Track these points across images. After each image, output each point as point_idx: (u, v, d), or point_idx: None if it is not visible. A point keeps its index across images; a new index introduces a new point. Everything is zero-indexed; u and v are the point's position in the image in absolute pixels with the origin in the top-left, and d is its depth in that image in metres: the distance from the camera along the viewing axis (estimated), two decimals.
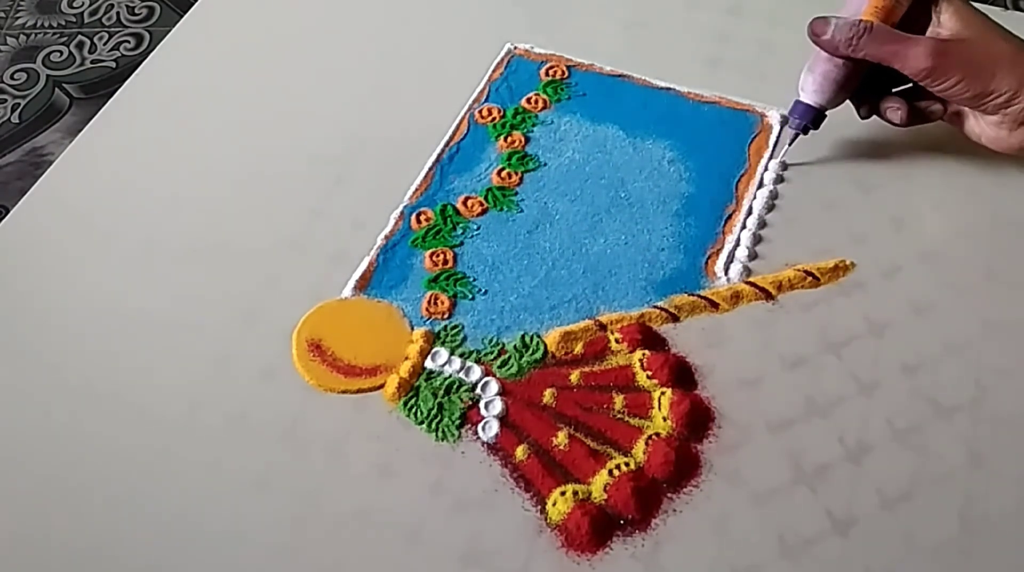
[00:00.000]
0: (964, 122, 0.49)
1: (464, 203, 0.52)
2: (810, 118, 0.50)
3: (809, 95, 0.49)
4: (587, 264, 0.50)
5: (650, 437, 0.43)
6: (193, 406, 0.45)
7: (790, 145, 0.52)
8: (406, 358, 0.46)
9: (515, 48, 0.60)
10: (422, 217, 0.52)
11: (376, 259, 0.50)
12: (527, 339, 0.47)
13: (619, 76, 0.58)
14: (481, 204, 0.52)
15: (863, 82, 0.49)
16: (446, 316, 0.48)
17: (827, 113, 0.50)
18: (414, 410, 0.44)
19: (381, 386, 0.45)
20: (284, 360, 0.46)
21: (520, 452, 0.43)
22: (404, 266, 0.50)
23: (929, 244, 0.49)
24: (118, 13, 0.67)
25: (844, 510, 0.41)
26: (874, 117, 0.51)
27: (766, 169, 0.53)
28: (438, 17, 0.63)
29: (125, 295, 0.50)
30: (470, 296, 0.49)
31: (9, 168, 0.60)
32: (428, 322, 0.48)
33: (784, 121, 0.55)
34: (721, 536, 0.40)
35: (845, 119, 0.55)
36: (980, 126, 0.48)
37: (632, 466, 0.42)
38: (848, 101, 0.50)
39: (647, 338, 0.46)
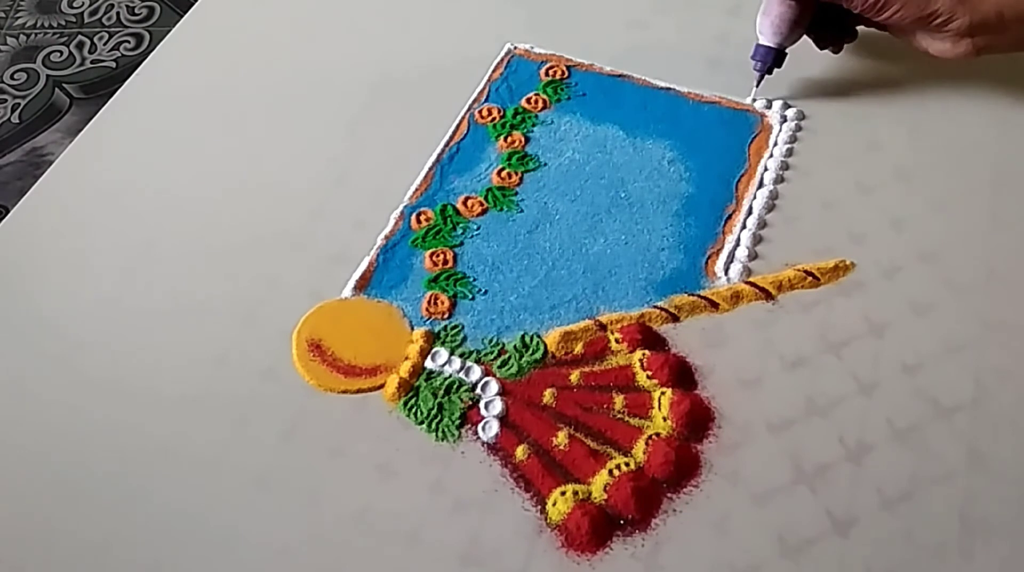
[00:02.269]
0: (913, 39, 0.53)
1: (464, 203, 0.52)
2: (771, 58, 0.54)
3: (768, 37, 0.53)
4: (587, 264, 0.50)
5: (650, 437, 0.43)
6: (193, 406, 0.45)
7: (757, 86, 0.56)
8: (406, 358, 0.46)
9: (515, 48, 0.60)
10: (422, 217, 0.52)
11: (376, 259, 0.50)
12: (527, 339, 0.47)
13: (619, 76, 0.58)
14: (481, 204, 0.52)
15: (819, 20, 0.54)
16: (446, 316, 0.48)
17: (825, 112, 0.52)
18: (414, 410, 0.44)
19: (381, 386, 0.45)
20: (284, 360, 0.46)
21: (520, 452, 0.43)
22: (404, 266, 0.50)
23: (929, 244, 0.49)
24: (118, 13, 0.67)
25: (844, 510, 0.41)
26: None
27: (766, 169, 0.53)
28: (438, 17, 0.63)
29: (125, 295, 0.50)
30: (470, 296, 0.49)
31: (9, 168, 0.60)
32: (428, 322, 0.48)
33: (783, 120, 0.55)
34: (721, 536, 0.40)
35: (844, 118, 0.55)
36: (927, 40, 0.52)
37: (632, 466, 0.42)
38: (807, 37, 0.55)
39: (647, 338, 0.46)
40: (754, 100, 0.56)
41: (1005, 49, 0.51)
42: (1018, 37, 0.50)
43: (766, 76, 0.55)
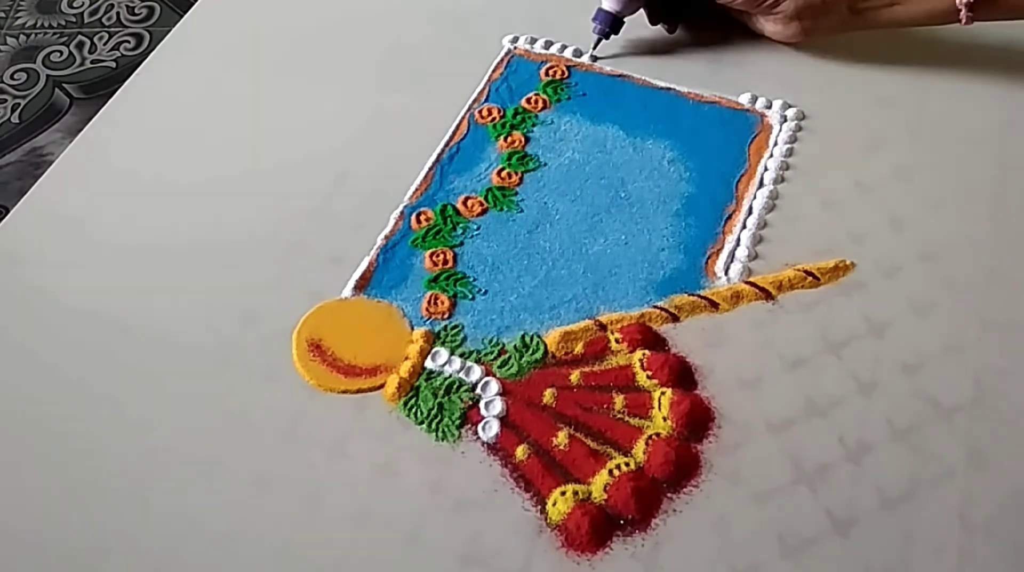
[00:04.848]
0: (749, 21, 0.59)
1: (464, 203, 0.52)
2: (609, 23, 0.58)
3: (609, 3, 0.58)
4: (587, 264, 0.50)
5: (650, 437, 0.43)
6: (194, 406, 0.45)
7: (595, 48, 0.59)
8: (406, 358, 0.46)
9: (515, 48, 0.60)
10: (422, 217, 0.52)
11: (376, 259, 0.50)
12: (527, 339, 0.47)
13: (619, 76, 0.58)
14: (481, 204, 0.52)
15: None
16: (446, 316, 0.48)
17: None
18: (414, 410, 0.44)
19: (381, 386, 0.45)
20: (284, 360, 0.46)
21: (520, 452, 0.43)
22: (404, 266, 0.50)
23: (929, 244, 0.49)
24: (118, 13, 0.67)
25: (844, 510, 0.41)
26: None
27: (766, 169, 0.53)
28: (438, 17, 0.63)
29: (125, 295, 0.50)
30: (470, 296, 0.49)
31: (9, 168, 0.60)
32: (428, 322, 0.48)
33: (783, 120, 0.55)
34: (721, 536, 0.40)
35: (844, 118, 0.55)
36: (761, 23, 0.58)
37: (632, 466, 0.42)
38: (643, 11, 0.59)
39: (647, 338, 0.46)
40: (593, 59, 0.59)
41: (831, 30, 0.56)
42: (841, 18, 0.55)
43: (603, 41, 0.59)
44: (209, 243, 0.52)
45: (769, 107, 0.56)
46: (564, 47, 0.60)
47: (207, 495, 0.42)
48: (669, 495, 0.41)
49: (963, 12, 0.51)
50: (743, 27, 0.59)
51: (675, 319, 0.47)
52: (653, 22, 0.60)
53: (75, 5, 0.70)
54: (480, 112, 0.57)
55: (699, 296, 0.48)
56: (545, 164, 0.54)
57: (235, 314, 0.48)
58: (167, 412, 0.45)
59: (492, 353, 0.46)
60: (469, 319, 0.48)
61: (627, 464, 0.42)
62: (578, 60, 0.59)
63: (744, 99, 0.56)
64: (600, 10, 0.58)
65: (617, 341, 0.46)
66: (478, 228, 0.51)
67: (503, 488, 0.42)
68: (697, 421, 0.43)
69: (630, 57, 0.59)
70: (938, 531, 0.40)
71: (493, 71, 0.59)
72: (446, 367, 0.46)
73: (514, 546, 0.40)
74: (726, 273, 0.49)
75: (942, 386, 0.44)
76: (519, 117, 0.56)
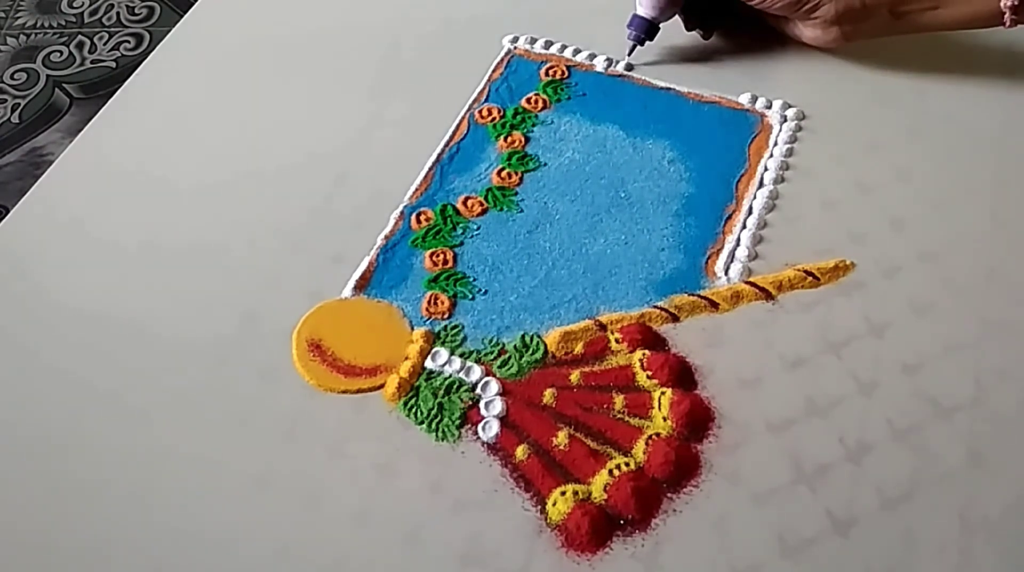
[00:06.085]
0: (787, 26, 0.57)
1: (464, 203, 0.52)
2: (644, 30, 0.57)
3: (645, 9, 0.57)
4: (587, 264, 0.50)
5: (650, 437, 0.43)
6: (193, 406, 0.45)
7: (629, 54, 0.58)
8: (406, 358, 0.46)
9: (515, 48, 0.60)
10: (422, 217, 0.52)
11: (376, 259, 0.50)
12: (527, 339, 0.47)
13: (619, 76, 0.58)
14: (481, 204, 0.52)
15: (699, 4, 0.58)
16: (446, 316, 0.48)
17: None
18: (414, 410, 0.44)
19: (381, 386, 0.45)
20: (284, 360, 0.46)
21: (520, 452, 0.43)
22: (404, 266, 0.50)
23: (929, 244, 0.49)
24: (118, 13, 0.67)
25: (844, 510, 0.41)
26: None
27: (766, 169, 0.53)
28: (438, 17, 0.63)
29: (125, 295, 0.50)
30: (470, 296, 0.49)
31: (9, 168, 0.60)
32: (428, 322, 0.48)
33: (783, 120, 0.55)
34: (721, 536, 0.40)
35: (844, 118, 0.55)
36: (800, 28, 0.56)
37: (632, 466, 0.42)
38: (678, 17, 0.58)
39: (647, 338, 0.46)
40: (629, 67, 0.59)
41: (871, 34, 0.55)
42: (883, 22, 0.53)
43: (638, 47, 0.58)
44: (209, 243, 0.52)
45: (769, 107, 0.56)
46: (564, 47, 0.60)
47: (207, 495, 0.42)
48: (669, 495, 0.41)
49: (1007, 15, 0.50)
50: (762, 30, 0.59)
51: (675, 319, 0.47)
52: (689, 28, 0.59)
53: (75, 5, 0.70)
54: (480, 112, 0.57)
55: (699, 296, 0.48)
56: (545, 164, 0.54)
57: (235, 314, 0.48)
58: (167, 412, 0.45)
59: (492, 353, 0.46)
60: (469, 319, 0.48)
61: (627, 464, 0.42)
62: (578, 60, 0.59)
63: (744, 99, 0.56)
64: (635, 16, 0.57)
65: (617, 341, 0.46)
66: (478, 228, 0.51)
67: (503, 488, 0.42)
68: (697, 421, 0.43)
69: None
70: (938, 531, 0.40)
71: (493, 71, 0.59)
72: (446, 367, 0.46)
73: (514, 546, 0.40)
74: (726, 273, 0.49)
75: (942, 386, 0.44)
76: (519, 117, 0.56)
